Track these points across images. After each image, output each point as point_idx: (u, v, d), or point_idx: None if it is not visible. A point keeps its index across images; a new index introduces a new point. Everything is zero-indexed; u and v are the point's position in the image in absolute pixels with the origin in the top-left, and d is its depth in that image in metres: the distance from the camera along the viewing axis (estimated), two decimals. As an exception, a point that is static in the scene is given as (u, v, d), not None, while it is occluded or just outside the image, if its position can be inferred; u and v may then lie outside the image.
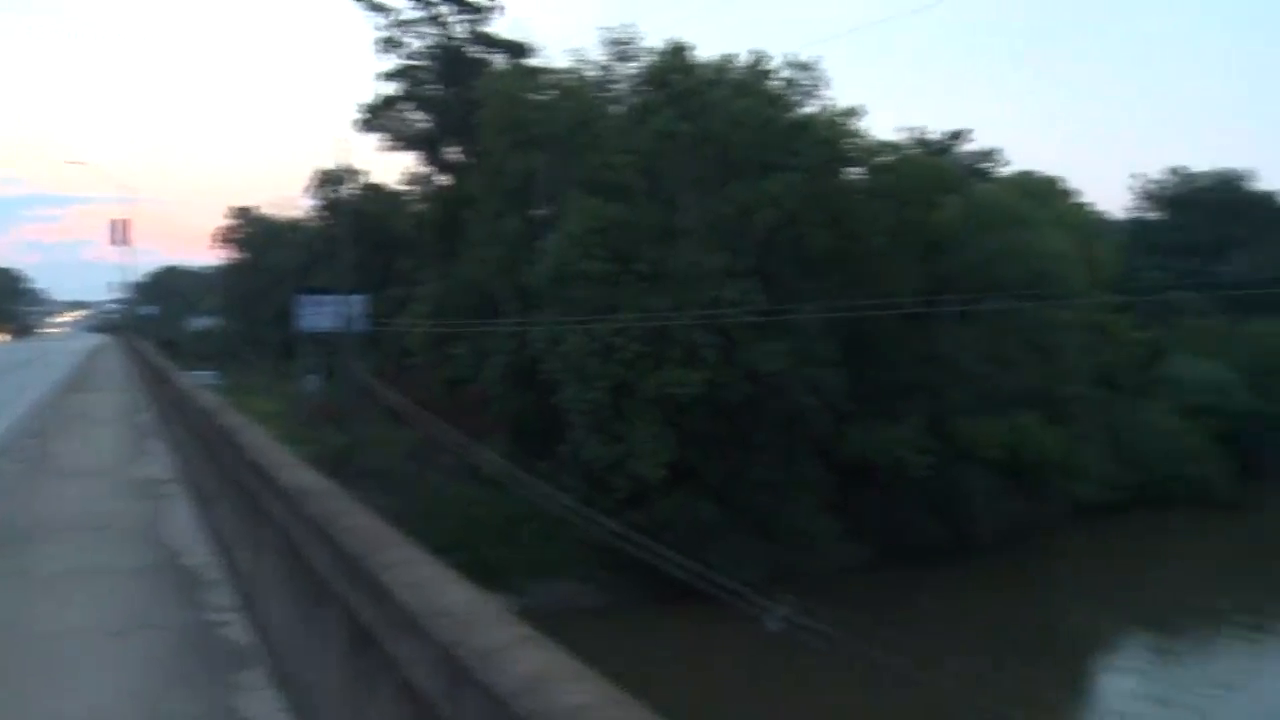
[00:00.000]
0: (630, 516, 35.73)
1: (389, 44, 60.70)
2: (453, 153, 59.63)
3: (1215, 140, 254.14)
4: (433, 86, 61.04)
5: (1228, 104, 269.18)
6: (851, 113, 49.62)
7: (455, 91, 57.86)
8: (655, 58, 48.97)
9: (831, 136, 47.36)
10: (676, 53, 48.48)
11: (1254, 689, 34.37)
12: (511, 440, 44.73)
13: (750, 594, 27.50)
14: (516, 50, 59.65)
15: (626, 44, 50.16)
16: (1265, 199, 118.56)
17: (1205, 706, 31.98)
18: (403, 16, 60.28)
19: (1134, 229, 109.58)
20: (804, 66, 48.80)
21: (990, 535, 46.93)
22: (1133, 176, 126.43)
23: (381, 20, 60.28)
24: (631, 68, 50.43)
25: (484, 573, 34.69)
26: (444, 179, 60.18)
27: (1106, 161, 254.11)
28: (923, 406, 46.39)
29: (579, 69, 50.65)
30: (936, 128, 74.25)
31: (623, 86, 50.93)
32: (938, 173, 53.15)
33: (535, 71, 53.18)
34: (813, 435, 43.56)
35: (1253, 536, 58.27)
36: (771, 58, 49.31)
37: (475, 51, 60.63)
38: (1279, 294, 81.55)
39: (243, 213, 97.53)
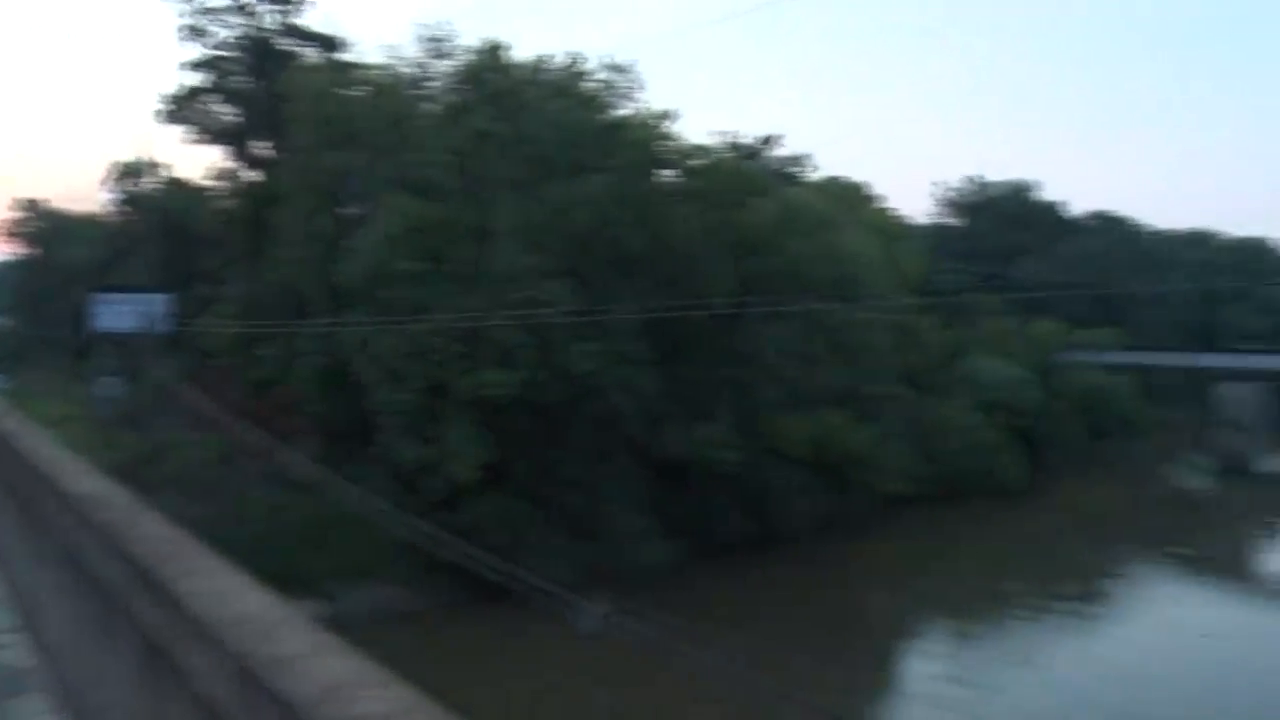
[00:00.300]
0: (445, 518, 35.41)
1: (193, 32, 58.38)
2: (262, 148, 57.80)
3: (1009, 151, 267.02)
4: (240, 78, 58.97)
5: (1020, 116, 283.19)
6: (666, 116, 50.34)
7: (264, 85, 56.11)
8: (471, 56, 48.61)
9: (646, 139, 47.97)
10: (493, 52, 48.24)
11: (1045, 665, 36.26)
12: (323, 443, 43.75)
13: (566, 594, 27.53)
14: (328, 44, 58.26)
15: (442, 41, 49.59)
16: (1051, 209, 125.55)
17: (1002, 684, 33.76)
18: (207, 4, 58.06)
19: (935, 234, 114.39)
20: (620, 69, 49.26)
21: (800, 529, 48.37)
22: (934, 184, 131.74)
23: (185, 7, 57.97)
24: (447, 66, 49.90)
25: (293, 579, 33.85)
26: (252, 175, 58.30)
27: (911, 169, 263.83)
28: (734, 405, 47.40)
29: (393, 66, 49.85)
30: (749, 132, 76.14)
31: (438, 85, 50.36)
32: (749, 176, 54.41)
33: (348, 67, 52.09)
34: (627, 434, 44.01)
35: (1040, 523, 61.78)
36: (588, 59, 49.67)
37: (285, 44, 58.92)
38: (1064, 297, 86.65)
39: (30, 205, 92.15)
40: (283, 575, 32.42)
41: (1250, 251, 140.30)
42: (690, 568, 43.58)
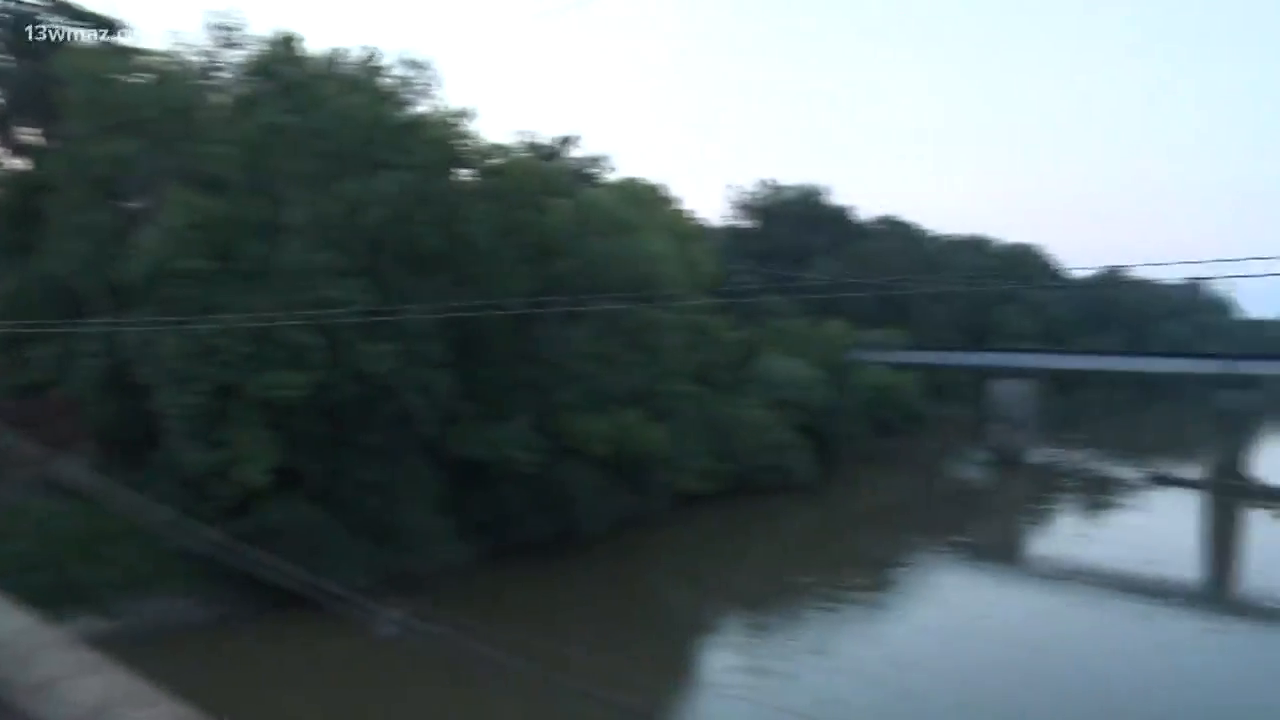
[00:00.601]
0: (235, 525, 34.23)
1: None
2: (29, 134, 54.51)
3: (801, 156, 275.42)
4: (2, 58, 55.43)
5: (811, 123, 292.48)
6: (464, 114, 49.84)
7: (31, 66, 52.87)
8: (263, 47, 46.99)
9: (443, 137, 47.34)
10: (285, 43, 46.75)
11: (838, 653, 37.73)
12: (103, 449, 41.66)
13: (361, 600, 26.95)
14: (105, 26, 55.30)
15: (232, 30, 47.75)
16: (841, 213, 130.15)
17: (798, 672, 34.94)
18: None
19: (730, 236, 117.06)
20: (417, 65, 48.50)
21: (600, 528, 48.77)
22: (729, 187, 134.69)
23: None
24: (237, 56, 48.11)
25: (68, 594, 32.20)
26: (19, 162, 54.87)
27: (707, 171, 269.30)
28: (532, 405, 47.39)
29: (180, 53, 47.70)
30: (548, 133, 76.38)
31: (228, 75, 48.47)
32: (547, 176, 54.38)
33: (129, 52, 49.55)
34: (424, 435, 43.44)
35: (828, 516, 64.17)
36: (384, 55, 48.72)
37: (56, 23, 55.57)
38: (853, 298, 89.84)
39: None
40: (56, 591, 30.86)
41: (1020, 257, 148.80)
42: (491, 568, 43.50)
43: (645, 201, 63.88)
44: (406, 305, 40.41)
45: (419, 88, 48.68)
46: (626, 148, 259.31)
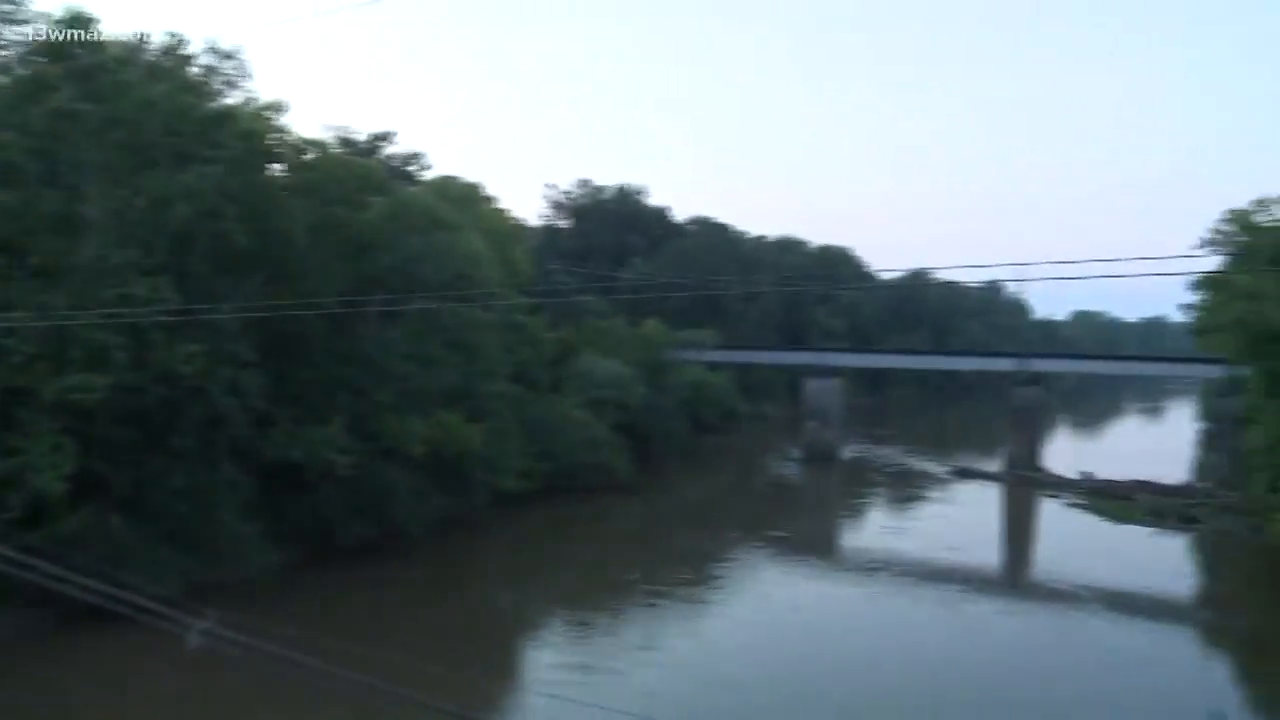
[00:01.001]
0: (28, 537, 32.22)
1: None
2: None
3: (618, 156, 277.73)
4: None
5: (628, 122, 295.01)
6: (276, 107, 48.31)
7: None
8: (52, 26, 44.16)
9: (254, 130, 45.67)
10: (78, 23, 44.12)
11: (662, 648, 38.12)
12: None
13: (167, 610, 25.73)
14: None
15: (14, 6, 44.46)
16: (658, 213, 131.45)
17: (623, 668, 35.22)
18: None
19: (547, 235, 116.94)
20: (226, 54, 46.79)
21: (421, 530, 48.02)
22: (547, 186, 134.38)
23: None
24: (22, 34, 45.02)
25: None
26: None
27: (526, 170, 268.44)
28: (349, 406, 46.30)
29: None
30: (363, 129, 74.81)
31: (9, 54, 45.36)
32: (363, 173, 53.20)
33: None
34: (237, 438, 41.91)
35: (649, 514, 64.76)
36: (190, 42, 46.80)
37: None
38: (670, 298, 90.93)
39: None
40: None
41: (832, 258, 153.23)
42: (310, 574, 42.32)
43: (463, 200, 63.30)
44: (215, 304, 38.90)
45: (227, 78, 47.01)
46: (442, 146, 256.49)
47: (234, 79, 47.24)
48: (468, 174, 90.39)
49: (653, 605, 43.75)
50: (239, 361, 40.55)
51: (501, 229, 68.32)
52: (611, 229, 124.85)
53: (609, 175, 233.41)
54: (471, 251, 54.21)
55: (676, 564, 51.62)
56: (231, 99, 47.18)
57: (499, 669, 36.12)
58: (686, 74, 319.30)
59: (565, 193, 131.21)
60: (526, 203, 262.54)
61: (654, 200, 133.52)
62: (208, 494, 40.37)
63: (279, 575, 41.43)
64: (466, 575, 48.03)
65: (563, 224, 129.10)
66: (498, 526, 54.06)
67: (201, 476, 40.20)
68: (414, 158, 76.19)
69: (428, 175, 73.79)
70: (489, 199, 70.85)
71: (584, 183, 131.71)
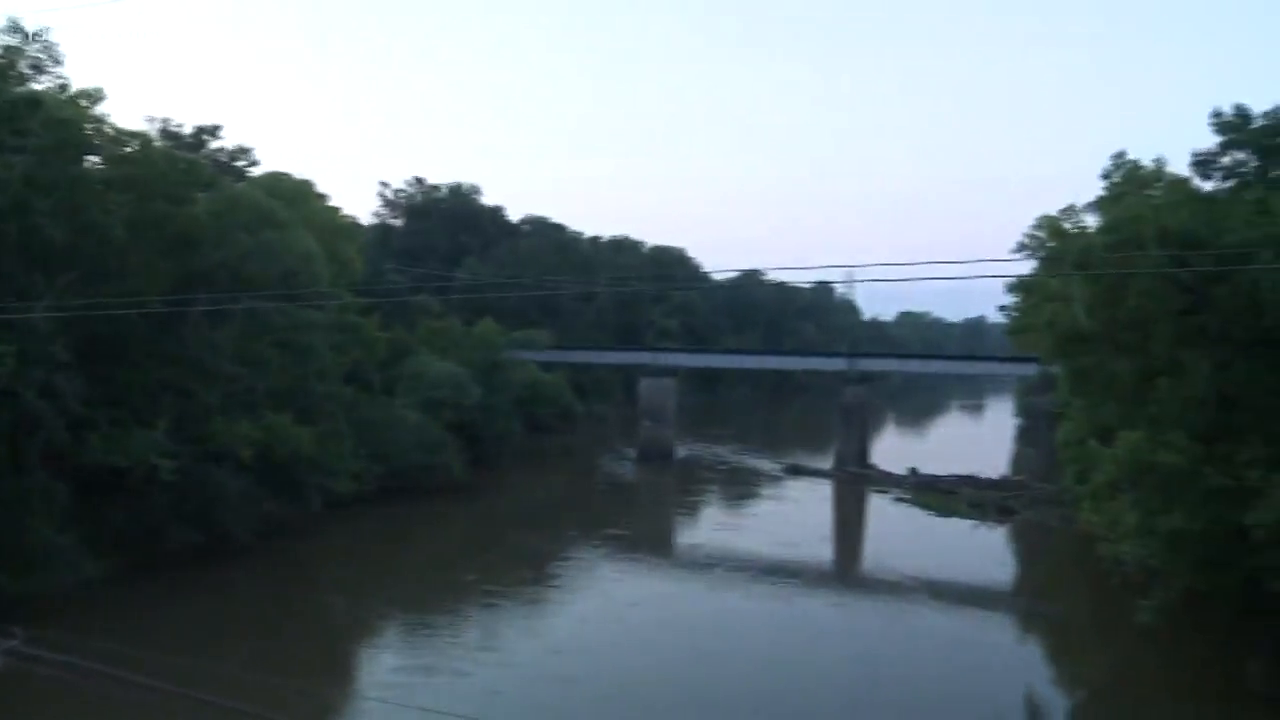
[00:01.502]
0: None
1: None
2: None
3: (453, 155, 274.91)
4: None
5: (464, 121, 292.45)
6: (91, 95, 46.16)
7: None
8: None
9: (68, 119, 43.43)
10: None
11: (503, 648, 38.02)
12: None
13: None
14: None
15: None
16: (494, 213, 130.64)
17: (465, 669, 34.98)
18: None
19: (380, 234, 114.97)
20: (30, 35, 44.52)
21: (248, 535, 46.69)
22: (381, 184, 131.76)
23: None
24: None
25: None
26: None
27: (360, 168, 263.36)
28: (173, 408, 44.60)
29: None
30: (190, 121, 72.26)
31: None
32: (187, 167, 51.22)
33: None
34: (50, 443, 39.84)
35: (486, 514, 64.32)
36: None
37: None
38: (505, 297, 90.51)
39: None
40: None
41: (667, 258, 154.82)
42: (132, 583, 40.59)
43: (293, 197, 61.65)
44: (26, 302, 36.98)
45: (34, 61, 44.73)
46: (272, 142, 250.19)
47: (42, 63, 45.03)
48: (299, 171, 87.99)
49: (493, 605, 43.51)
50: (53, 363, 38.60)
51: (333, 227, 66.81)
52: (446, 228, 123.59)
53: (444, 174, 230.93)
54: (302, 250, 52.88)
55: (515, 564, 51.39)
56: (40, 85, 44.94)
57: (334, 676, 35.40)
58: (524, 73, 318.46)
59: (398, 191, 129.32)
60: (359, 201, 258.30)
61: (489, 199, 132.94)
62: (18, 502, 38.27)
63: (99, 586, 39.62)
64: (299, 580, 46.83)
65: (396, 223, 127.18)
66: (331, 530, 52.92)
67: (11, 484, 38.13)
68: (242, 152, 73.90)
69: (257, 171, 71.66)
70: (321, 196, 69.11)
71: (418, 181, 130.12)
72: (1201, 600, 33.51)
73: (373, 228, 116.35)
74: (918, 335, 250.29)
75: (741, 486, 78.90)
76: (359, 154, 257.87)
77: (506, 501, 69.74)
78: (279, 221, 52.51)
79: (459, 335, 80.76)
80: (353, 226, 79.02)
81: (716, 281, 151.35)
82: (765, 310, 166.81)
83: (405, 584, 47.70)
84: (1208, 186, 41.66)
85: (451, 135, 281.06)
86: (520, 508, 68.70)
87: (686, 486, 79.78)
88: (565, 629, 40.90)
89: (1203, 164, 44.75)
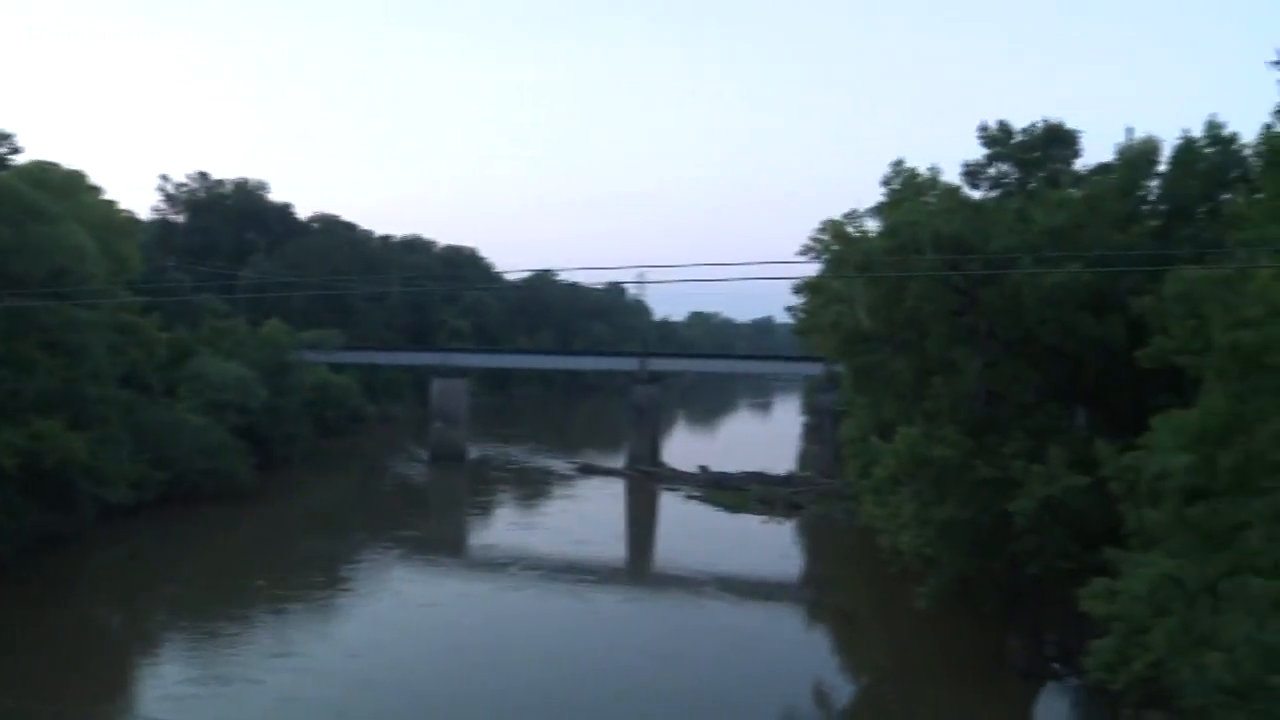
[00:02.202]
0: None
1: None
2: None
3: (238, 151, 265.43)
4: None
5: (252, 117, 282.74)
6: None
7: None
8: None
9: None
10: None
11: (298, 653, 37.12)
12: None
13: None
14: None
15: None
16: (281, 210, 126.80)
17: (259, 676, 34.17)
18: None
19: (161, 230, 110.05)
20: None
21: (17, 549, 44.06)
22: (161, 178, 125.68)
23: None
24: None
25: None
26: None
27: (138, 161, 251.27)
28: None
29: None
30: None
31: None
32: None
33: None
34: None
35: (275, 519, 62.53)
36: None
37: None
38: (293, 297, 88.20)
39: None
40: None
41: (459, 258, 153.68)
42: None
43: (64, 189, 58.56)
44: None
45: None
46: (39, 130, 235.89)
47: None
48: (70, 161, 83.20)
49: (285, 611, 42.54)
50: None
51: (109, 222, 63.66)
52: (231, 225, 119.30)
53: (230, 169, 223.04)
54: (73, 245, 50.23)
55: (307, 569, 50.03)
56: None
57: (107, 694, 33.71)
58: (315, 68, 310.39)
59: (180, 186, 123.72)
60: (138, 196, 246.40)
61: (277, 197, 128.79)
62: None
63: None
64: (71, 595, 44.22)
65: (178, 219, 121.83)
66: (109, 541, 50.39)
67: None
68: (2, 138, 69.39)
69: (20, 159, 67.44)
70: (94, 189, 65.69)
71: (201, 176, 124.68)
72: (972, 585, 35.48)
73: (153, 224, 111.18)
74: (708, 335, 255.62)
75: (534, 486, 79.04)
76: (137, 146, 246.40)
77: (296, 506, 67.98)
78: (47, 214, 49.77)
79: (245, 336, 78.16)
80: (130, 222, 75.43)
81: (509, 282, 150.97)
82: (557, 311, 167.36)
83: (190, 593, 45.73)
84: (976, 195, 44.18)
85: (238, 131, 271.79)
86: (311, 512, 67.06)
87: (479, 487, 79.39)
88: (361, 632, 40.35)
89: (972, 174, 47.48)
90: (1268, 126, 28.47)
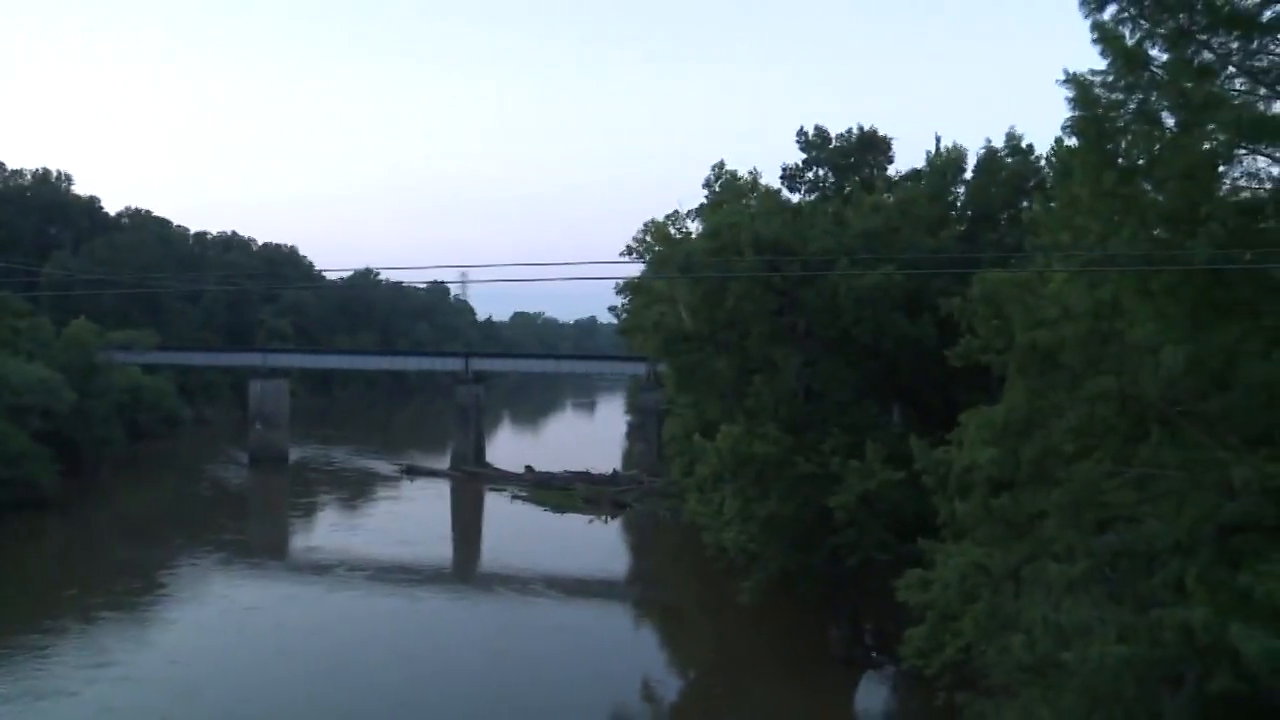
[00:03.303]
0: None
1: None
2: None
3: (42, 139, 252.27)
4: None
5: (48, 103, 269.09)
6: None
7: None
8: None
9: None
10: None
11: (118, 662, 36.08)
12: None
13: None
14: None
15: None
16: (88, 204, 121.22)
17: (76, 688, 33.13)
18: None
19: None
20: None
21: None
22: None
23: None
24: None
25: None
26: None
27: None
28: None
29: None
30: None
31: None
32: None
33: None
34: None
35: (84, 527, 59.88)
36: None
37: None
38: (101, 295, 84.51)
39: None
40: None
41: (280, 257, 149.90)
42: None
43: None
44: None
45: None
46: None
47: None
48: None
49: (100, 620, 41.12)
50: None
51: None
52: (32, 219, 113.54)
53: (29, 159, 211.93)
54: None
55: (121, 577, 48.06)
56: None
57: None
58: (126, 57, 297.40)
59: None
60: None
61: (84, 190, 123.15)
62: None
63: None
64: None
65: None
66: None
67: None
68: None
69: None
70: None
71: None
72: (793, 579, 36.56)
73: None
74: (532, 335, 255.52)
75: (358, 488, 77.75)
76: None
77: (107, 513, 65.31)
78: None
79: (49, 336, 74.56)
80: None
81: (330, 281, 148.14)
82: (380, 311, 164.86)
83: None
84: (795, 198, 45.49)
85: (38, 120, 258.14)
86: (124, 519, 64.51)
87: (301, 490, 77.62)
88: (181, 639, 39.35)
89: (790, 178, 48.88)
90: (1059, 140, 30.29)
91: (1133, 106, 15.74)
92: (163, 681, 33.84)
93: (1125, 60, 15.35)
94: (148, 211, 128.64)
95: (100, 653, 37.24)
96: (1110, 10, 15.50)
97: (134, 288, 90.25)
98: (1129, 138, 16.11)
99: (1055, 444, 18.39)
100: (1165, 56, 15.40)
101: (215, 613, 43.17)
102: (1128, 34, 15.43)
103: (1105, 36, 15.41)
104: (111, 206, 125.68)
